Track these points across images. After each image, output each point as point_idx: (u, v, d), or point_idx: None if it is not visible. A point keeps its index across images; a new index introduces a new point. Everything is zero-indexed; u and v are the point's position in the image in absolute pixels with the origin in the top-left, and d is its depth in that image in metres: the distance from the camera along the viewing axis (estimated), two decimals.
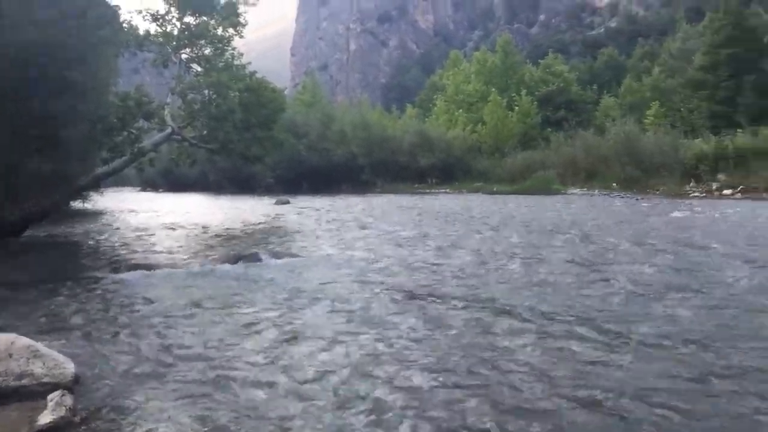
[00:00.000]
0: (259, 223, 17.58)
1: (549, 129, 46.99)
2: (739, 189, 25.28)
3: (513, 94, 50.41)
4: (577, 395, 3.91)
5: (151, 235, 14.45)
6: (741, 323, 5.59)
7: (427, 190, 38.78)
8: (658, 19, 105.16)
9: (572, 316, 5.93)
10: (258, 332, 5.62)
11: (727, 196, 24.51)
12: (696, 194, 26.04)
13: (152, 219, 19.65)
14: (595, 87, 57.36)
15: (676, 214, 17.05)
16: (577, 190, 31.36)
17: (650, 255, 9.69)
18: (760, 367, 4.38)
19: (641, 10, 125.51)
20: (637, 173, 30.80)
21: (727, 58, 39.59)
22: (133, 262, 9.86)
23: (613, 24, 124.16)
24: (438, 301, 6.74)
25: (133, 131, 17.93)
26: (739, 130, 30.42)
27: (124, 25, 20.59)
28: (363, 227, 15.50)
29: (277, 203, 26.97)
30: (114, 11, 18.04)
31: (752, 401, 3.79)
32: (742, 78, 37.95)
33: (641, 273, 8.16)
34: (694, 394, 3.92)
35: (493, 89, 50.68)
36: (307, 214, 20.70)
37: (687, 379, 4.18)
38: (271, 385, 4.21)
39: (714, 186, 26.94)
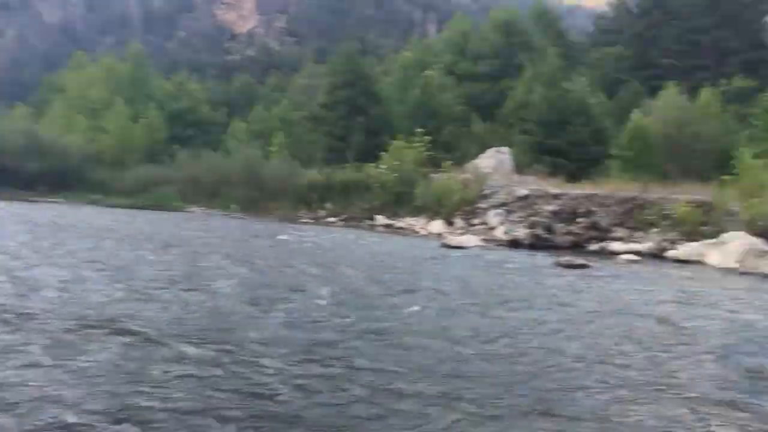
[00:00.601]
0: None
1: (177, 145, 46.13)
2: (341, 217, 27.90)
3: (141, 107, 48.43)
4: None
5: None
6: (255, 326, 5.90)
7: (37, 199, 34.62)
8: (290, 54, 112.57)
9: (172, 330, 6.04)
10: None
11: (331, 224, 26.80)
12: (306, 220, 27.97)
13: None
14: (226, 110, 58.25)
15: (281, 237, 17.97)
16: (196, 209, 31.28)
17: (243, 272, 10.03)
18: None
19: (276, 45, 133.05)
20: (257, 196, 31.99)
21: (343, 99, 43.87)
22: None
23: (250, 53, 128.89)
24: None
25: None
26: (346, 164, 33.78)
27: None
28: None
29: None
30: None
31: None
32: (355, 119, 42.39)
33: (235, 289, 8.60)
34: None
35: (120, 98, 48.04)
36: None
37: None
38: None
39: (322, 213, 29.35)
